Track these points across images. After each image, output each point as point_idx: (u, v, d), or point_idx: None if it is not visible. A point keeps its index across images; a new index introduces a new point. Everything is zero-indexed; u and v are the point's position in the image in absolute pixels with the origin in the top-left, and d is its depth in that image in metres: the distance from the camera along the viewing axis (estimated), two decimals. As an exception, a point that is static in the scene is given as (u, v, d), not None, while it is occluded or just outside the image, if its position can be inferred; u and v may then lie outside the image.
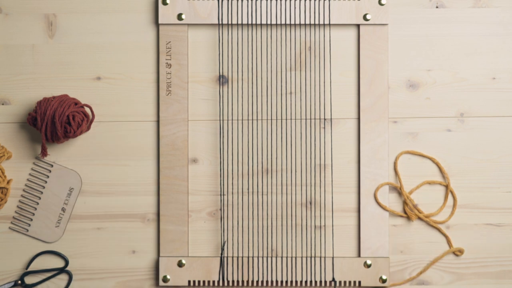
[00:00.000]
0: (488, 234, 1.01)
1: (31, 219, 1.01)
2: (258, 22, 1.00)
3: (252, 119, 1.00)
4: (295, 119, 1.00)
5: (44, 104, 0.96)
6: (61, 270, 1.01)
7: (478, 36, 1.01)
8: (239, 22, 1.00)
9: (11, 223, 1.01)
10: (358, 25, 1.00)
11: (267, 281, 1.00)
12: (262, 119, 1.00)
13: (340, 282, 0.99)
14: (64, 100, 0.97)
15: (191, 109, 1.01)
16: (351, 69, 1.01)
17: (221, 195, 1.00)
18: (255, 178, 1.00)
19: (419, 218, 1.01)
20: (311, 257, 1.00)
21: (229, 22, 1.00)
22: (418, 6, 1.01)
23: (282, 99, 1.00)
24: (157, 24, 1.01)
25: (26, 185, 1.01)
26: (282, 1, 0.99)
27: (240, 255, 1.00)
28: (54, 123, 0.96)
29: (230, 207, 1.00)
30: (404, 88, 1.01)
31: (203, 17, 1.00)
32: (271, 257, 1.00)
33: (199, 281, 1.00)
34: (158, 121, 1.01)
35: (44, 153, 0.98)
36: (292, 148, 1.00)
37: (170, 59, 1.00)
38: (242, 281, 1.00)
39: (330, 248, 1.00)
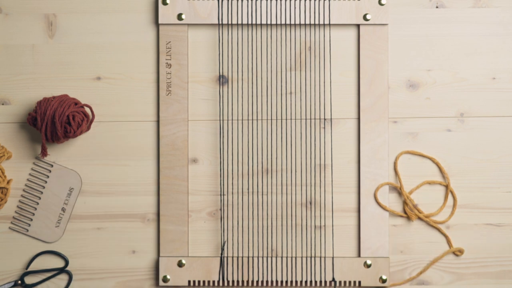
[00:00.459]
0: (488, 234, 1.01)
1: (31, 219, 1.01)
2: (258, 22, 1.00)
3: (252, 119, 1.00)
4: (295, 119, 1.00)
5: (44, 104, 0.96)
6: (61, 270, 1.01)
7: (478, 36, 1.01)
8: (239, 22, 1.00)
9: (11, 223, 1.01)
10: (358, 25, 1.00)
11: (267, 281, 1.00)
12: (262, 119, 1.00)
13: (340, 282, 0.99)
14: (64, 100, 0.97)
15: (191, 109, 1.01)
16: (351, 69, 1.01)
17: (221, 195, 1.00)
18: (255, 178, 1.00)
19: (419, 218, 1.01)
20: (311, 257, 1.00)
21: (229, 22, 1.00)
22: (418, 6, 1.01)
23: (282, 99, 1.00)
24: (157, 24, 1.01)
25: (26, 185, 1.01)
26: (282, 1, 0.99)
27: (240, 255, 1.00)
28: (54, 123, 0.96)
29: (230, 207, 1.00)
30: (404, 88, 1.01)
31: (203, 17, 1.00)
32: (271, 257, 1.00)
33: (199, 281, 1.00)
34: (158, 121, 1.01)
35: (44, 153, 0.98)
36: (292, 148, 1.00)
37: (170, 59, 1.00)
38: (242, 281, 1.00)
39: (330, 248, 1.00)
